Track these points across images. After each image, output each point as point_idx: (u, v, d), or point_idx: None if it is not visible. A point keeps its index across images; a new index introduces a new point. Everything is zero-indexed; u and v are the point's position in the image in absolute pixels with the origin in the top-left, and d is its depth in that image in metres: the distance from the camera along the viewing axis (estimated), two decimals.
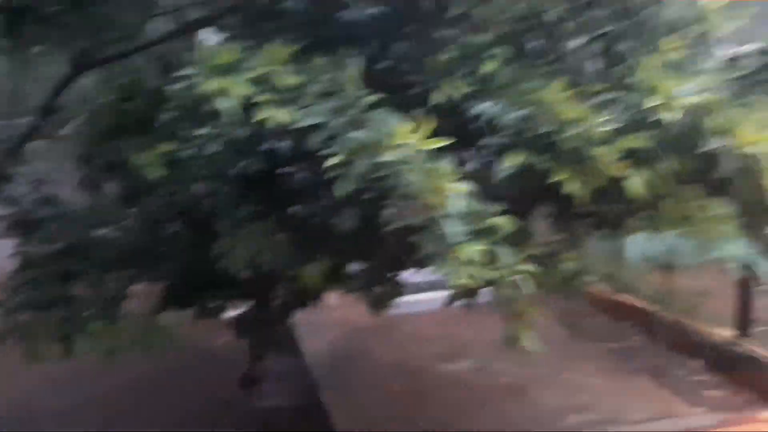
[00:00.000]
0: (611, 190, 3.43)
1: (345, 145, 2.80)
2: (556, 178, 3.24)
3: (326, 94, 3.08)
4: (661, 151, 3.42)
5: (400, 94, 3.47)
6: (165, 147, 3.13)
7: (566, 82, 3.45)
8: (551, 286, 4.24)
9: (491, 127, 3.48)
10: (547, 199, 3.78)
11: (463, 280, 2.81)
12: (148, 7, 4.78)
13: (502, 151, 3.38)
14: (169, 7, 5.20)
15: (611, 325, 7.06)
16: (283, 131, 3.00)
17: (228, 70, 2.86)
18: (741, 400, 5.44)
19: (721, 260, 5.16)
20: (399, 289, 4.14)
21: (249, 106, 2.85)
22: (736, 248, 5.21)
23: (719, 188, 3.75)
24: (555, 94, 3.31)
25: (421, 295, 6.56)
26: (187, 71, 2.89)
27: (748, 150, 3.35)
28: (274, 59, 2.98)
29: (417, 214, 2.70)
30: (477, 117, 3.48)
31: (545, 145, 3.27)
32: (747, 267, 5.47)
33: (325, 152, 2.84)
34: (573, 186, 3.25)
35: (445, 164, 2.85)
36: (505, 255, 3.13)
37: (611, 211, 3.94)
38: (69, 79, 4.62)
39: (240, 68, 2.90)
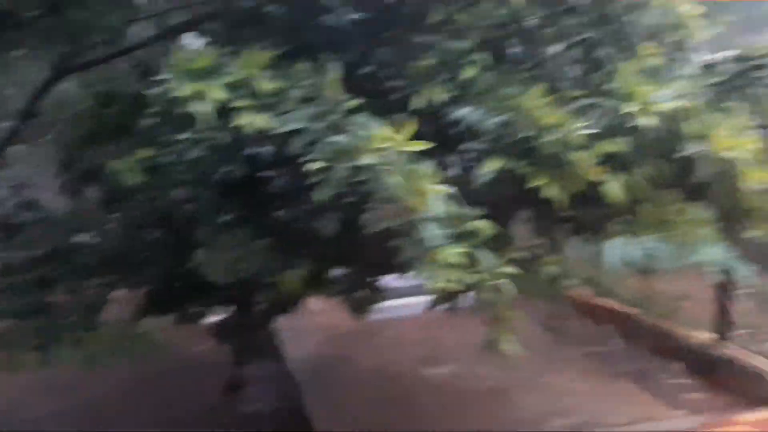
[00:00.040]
0: (590, 194, 3.47)
1: (325, 149, 2.81)
2: (534, 183, 3.27)
3: (306, 100, 3.09)
4: (639, 156, 3.47)
5: (381, 99, 3.50)
6: (143, 153, 3.12)
7: (545, 88, 3.49)
8: (532, 290, 4.28)
9: (471, 132, 3.51)
10: (527, 203, 3.81)
11: (443, 284, 2.83)
12: (128, 11, 4.76)
13: (481, 156, 3.41)
14: (150, 11, 5.20)
15: (592, 328, 7.09)
16: (263, 137, 3.01)
17: (204, 74, 2.86)
18: (720, 403, 5.49)
19: (699, 264, 5.23)
20: (380, 294, 4.15)
21: (226, 111, 2.85)
22: (715, 252, 5.27)
23: (697, 193, 3.81)
24: (534, 100, 3.34)
25: (404, 299, 6.58)
26: (163, 76, 2.88)
27: (724, 155, 3.40)
28: (252, 64, 2.98)
29: (397, 217, 2.72)
30: (457, 122, 3.51)
31: (524, 150, 3.31)
32: (725, 271, 5.54)
33: (305, 157, 2.84)
34: (551, 191, 3.28)
35: (425, 167, 2.86)
36: (486, 259, 3.15)
37: (590, 215, 3.98)
38: (49, 84, 4.60)
39: (217, 73, 2.90)
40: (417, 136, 2.89)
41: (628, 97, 3.33)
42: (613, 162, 3.38)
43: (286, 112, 2.98)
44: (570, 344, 6.80)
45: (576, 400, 5.64)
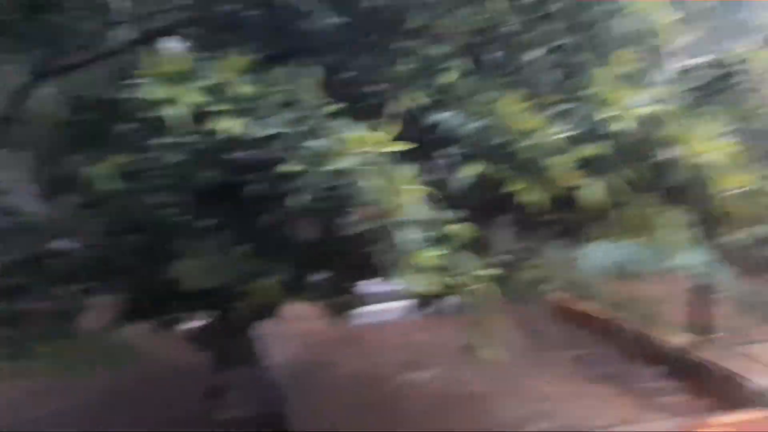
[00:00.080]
0: (568, 199, 3.50)
1: (302, 154, 2.80)
2: (512, 188, 3.29)
3: (285, 105, 3.08)
4: (616, 161, 3.50)
5: (361, 104, 3.49)
6: (120, 158, 3.09)
7: (523, 94, 3.52)
8: (512, 294, 4.30)
9: (450, 137, 3.52)
10: (507, 208, 3.82)
11: (421, 288, 2.84)
12: (107, 16, 4.73)
13: (460, 160, 3.42)
14: (130, 16, 5.16)
15: (573, 333, 7.15)
16: (242, 141, 2.99)
17: (180, 78, 2.84)
18: (697, 405, 5.55)
19: (677, 268, 5.28)
20: (359, 299, 4.13)
21: (203, 116, 2.83)
22: (692, 257, 5.34)
23: (674, 197, 3.85)
24: (511, 105, 3.37)
25: (386, 304, 6.58)
26: (138, 80, 2.86)
27: (699, 159, 3.44)
28: (229, 69, 2.96)
29: (374, 219, 2.72)
30: (436, 127, 3.53)
31: (502, 155, 3.33)
32: (703, 275, 5.60)
33: (282, 162, 2.84)
34: (529, 195, 3.30)
35: (403, 170, 2.87)
36: (465, 262, 3.17)
37: (570, 219, 4.00)
38: (27, 88, 4.55)
39: (193, 77, 2.88)
40: (397, 140, 2.90)
41: (604, 103, 3.36)
42: (590, 166, 3.41)
43: (264, 117, 2.96)
44: (550, 348, 6.84)
45: (556, 404, 5.67)
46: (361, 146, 2.78)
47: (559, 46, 3.85)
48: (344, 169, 2.72)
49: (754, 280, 6.51)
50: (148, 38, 4.75)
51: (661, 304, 6.45)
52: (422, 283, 2.88)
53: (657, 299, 6.37)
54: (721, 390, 5.59)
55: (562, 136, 3.33)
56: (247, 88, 2.98)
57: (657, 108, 3.45)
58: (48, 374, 3.62)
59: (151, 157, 3.18)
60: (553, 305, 7.18)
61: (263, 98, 3.04)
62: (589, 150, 3.36)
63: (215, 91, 2.89)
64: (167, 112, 2.77)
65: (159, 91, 2.79)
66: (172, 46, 4.56)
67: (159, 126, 2.89)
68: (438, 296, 3.28)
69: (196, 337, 4.81)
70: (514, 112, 3.34)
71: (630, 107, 3.36)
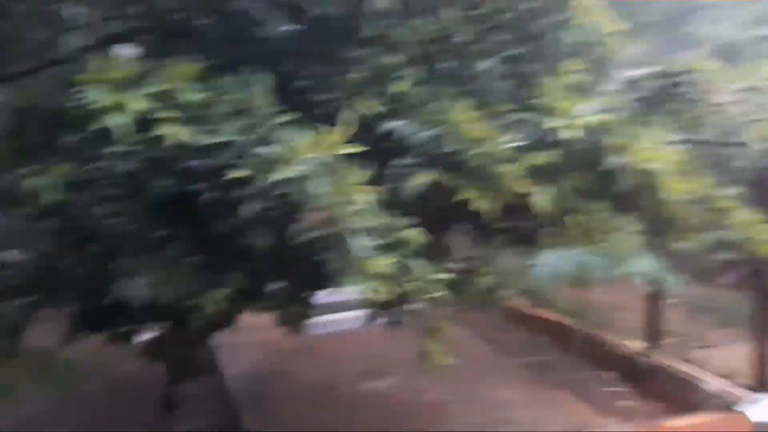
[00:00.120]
0: (521, 207, 3.54)
1: (252, 161, 2.79)
2: (465, 195, 3.32)
3: (236, 113, 3.06)
4: (565, 169, 3.56)
5: (313, 112, 3.49)
6: (66, 168, 3.03)
7: (475, 103, 3.56)
8: (468, 300, 4.33)
9: (404, 145, 3.54)
10: (461, 215, 3.86)
11: (373, 295, 2.84)
12: (58, 22, 4.65)
13: (413, 168, 3.44)
14: (82, 23, 5.08)
15: (530, 339, 7.22)
16: (192, 149, 2.96)
17: (127, 85, 2.80)
18: (651, 409, 5.64)
19: (630, 275, 5.37)
20: (313, 309, 4.13)
21: (149, 123, 2.79)
22: (644, 263, 5.44)
23: (623, 204, 3.92)
24: (463, 114, 3.40)
25: (343, 314, 6.57)
26: (84, 87, 2.81)
27: (645, 166, 3.52)
28: (178, 76, 2.93)
29: (324, 225, 2.71)
30: (389, 135, 3.54)
31: (454, 163, 3.36)
32: (655, 281, 5.71)
33: (232, 169, 2.81)
34: (482, 203, 3.34)
35: (355, 176, 2.86)
36: (419, 268, 3.17)
37: (524, 227, 4.05)
38: None
39: (141, 84, 2.84)
40: (349, 144, 2.89)
41: (552, 112, 3.42)
42: (540, 174, 3.46)
43: (214, 125, 2.94)
44: (507, 354, 6.90)
45: (513, 410, 5.71)
46: (312, 151, 2.77)
47: (510, 57, 3.91)
48: (294, 174, 2.70)
49: (705, 286, 6.69)
50: (101, 45, 4.69)
51: (615, 309, 6.57)
52: (375, 291, 2.87)
53: (611, 305, 6.48)
54: (675, 393, 5.69)
55: (512, 144, 3.37)
56: (195, 96, 2.94)
57: (605, 117, 3.52)
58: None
59: (100, 166, 3.12)
60: (509, 311, 7.24)
61: (213, 106, 3.02)
62: (539, 158, 3.41)
63: (163, 98, 2.85)
64: (113, 119, 2.72)
65: (105, 98, 2.74)
66: (126, 53, 4.50)
67: (106, 134, 2.85)
68: (392, 304, 3.27)
69: (150, 348, 4.74)
70: (465, 121, 3.38)
71: (578, 116, 3.43)
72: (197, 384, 5.56)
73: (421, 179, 3.35)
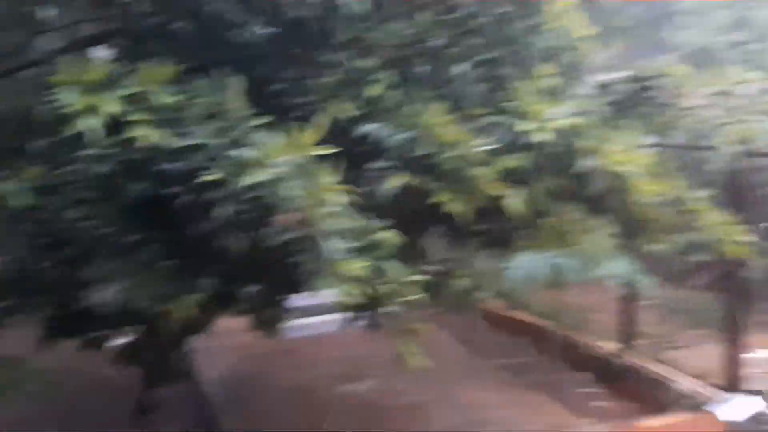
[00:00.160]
0: (495, 209, 3.58)
1: (224, 164, 2.79)
2: (438, 199, 3.35)
3: (209, 116, 3.06)
4: (538, 171, 3.61)
5: (288, 115, 3.50)
6: (36, 172, 3.01)
7: (449, 106, 3.59)
8: (444, 303, 4.36)
9: (378, 148, 3.56)
10: (436, 218, 3.88)
11: (346, 297, 2.85)
12: (32, 24, 4.62)
13: (387, 171, 3.47)
14: (56, 25, 5.05)
15: (507, 341, 7.26)
16: (164, 152, 2.95)
17: (99, 87, 2.79)
18: (625, 409, 5.70)
19: (603, 277, 5.42)
20: (289, 312, 4.13)
21: (121, 125, 2.78)
22: (618, 266, 5.50)
23: (596, 206, 3.98)
24: (436, 118, 3.43)
25: (321, 317, 6.57)
26: (56, 89, 2.79)
27: (617, 169, 3.58)
28: (151, 78, 2.92)
29: (297, 227, 2.72)
30: (364, 138, 3.56)
31: (428, 166, 3.39)
32: (628, 283, 5.77)
33: (205, 172, 2.81)
34: (454, 206, 3.37)
35: (327, 178, 2.87)
36: (393, 270, 3.19)
37: (498, 230, 4.09)
38: None
39: (113, 86, 2.83)
40: (321, 146, 2.91)
41: (524, 115, 3.46)
42: (513, 177, 3.50)
43: (186, 128, 2.94)
44: (484, 356, 6.94)
45: (489, 411, 5.75)
46: (285, 153, 2.78)
47: (484, 61, 3.95)
48: (267, 178, 2.71)
49: (678, 288, 6.77)
50: (75, 47, 4.66)
51: (590, 311, 6.63)
52: (348, 293, 2.88)
53: (586, 307, 6.54)
54: (648, 394, 5.76)
55: (486, 147, 3.41)
56: (169, 98, 2.94)
57: (576, 120, 3.57)
58: None
59: (72, 169, 3.11)
60: (485, 314, 7.28)
61: (187, 108, 3.01)
62: (512, 161, 3.45)
63: (136, 101, 2.84)
64: (86, 121, 2.71)
65: (78, 100, 2.73)
66: (101, 55, 4.48)
67: (79, 137, 2.83)
68: (367, 307, 3.29)
69: (125, 353, 4.71)
70: (439, 124, 3.41)
71: (550, 119, 3.47)
72: (174, 388, 5.53)
73: (395, 182, 3.37)
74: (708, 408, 5.07)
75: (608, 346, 6.37)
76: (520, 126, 3.44)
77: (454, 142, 3.34)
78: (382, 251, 3.15)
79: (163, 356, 4.87)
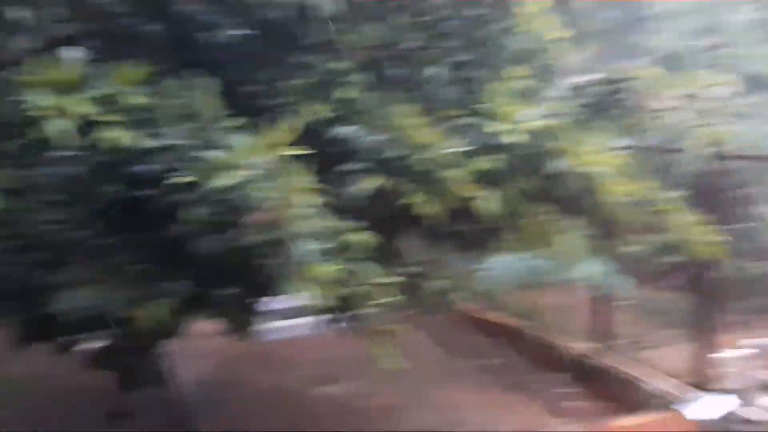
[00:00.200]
0: (468, 211, 3.59)
1: (195, 165, 2.78)
2: (411, 200, 3.36)
3: (181, 117, 3.05)
4: (511, 173, 3.63)
5: (260, 116, 3.49)
6: (2, 175, 2.96)
7: (422, 108, 3.61)
8: (419, 304, 4.37)
9: (351, 150, 3.57)
10: (410, 220, 3.89)
11: (319, 300, 2.85)
12: (2, 25, 4.56)
13: (360, 173, 3.47)
14: (27, 25, 4.99)
15: (483, 342, 7.29)
16: (135, 154, 2.93)
17: (69, 88, 2.77)
18: (600, 409, 5.75)
19: (577, 279, 5.47)
20: (260, 315, 4.10)
21: (91, 127, 2.76)
22: (592, 267, 5.56)
23: (568, 208, 4.01)
24: (409, 120, 3.45)
25: (296, 320, 6.56)
26: (26, 90, 2.76)
27: (587, 170, 3.61)
28: (122, 79, 2.90)
29: (266, 228, 2.71)
30: (337, 140, 3.57)
31: (400, 167, 3.40)
32: (602, 285, 5.83)
33: (176, 174, 2.80)
34: (428, 207, 3.38)
35: (299, 178, 2.87)
36: (366, 272, 3.19)
37: (473, 231, 4.11)
38: None
39: (84, 87, 2.81)
40: (293, 147, 2.91)
41: (497, 117, 3.48)
42: (486, 179, 3.52)
43: (157, 129, 2.92)
44: (460, 358, 6.96)
45: (465, 412, 5.77)
46: (256, 154, 2.77)
47: (458, 63, 3.98)
48: (237, 180, 2.70)
49: (650, 288, 6.84)
50: (47, 48, 4.61)
51: (564, 312, 6.67)
52: (320, 296, 2.88)
53: (561, 308, 6.59)
54: (621, 394, 5.81)
55: (458, 149, 3.43)
56: (140, 99, 2.92)
57: (548, 122, 3.60)
58: None
59: (41, 172, 3.08)
60: (461, 315, 7.31)
61: (158, 110, 3.00)
62: (484, 163, 3.48)
63: (107, 102, 2.82)
64: (55, 123, 2.68)
65: (47, 101, 2.70)
66: (72, 56, 4.43)
67: (47, 138, 2.80)
68: (341, 309, 3.29)
69: (98, 358, 4.65)
70: (411, 126, 3.42)
71: (522, 121, 3.50)
72: (149, 392, 5.48)
73: (368, 184, 3.38)
74: (678, 407, 5.13)
75: (583, 346, 6.42)
76: (493, 127, 3.46)
77: (428, 144, 3.36)
78: (355, 253, 3.15)
79: (137, 360, 4.82)
